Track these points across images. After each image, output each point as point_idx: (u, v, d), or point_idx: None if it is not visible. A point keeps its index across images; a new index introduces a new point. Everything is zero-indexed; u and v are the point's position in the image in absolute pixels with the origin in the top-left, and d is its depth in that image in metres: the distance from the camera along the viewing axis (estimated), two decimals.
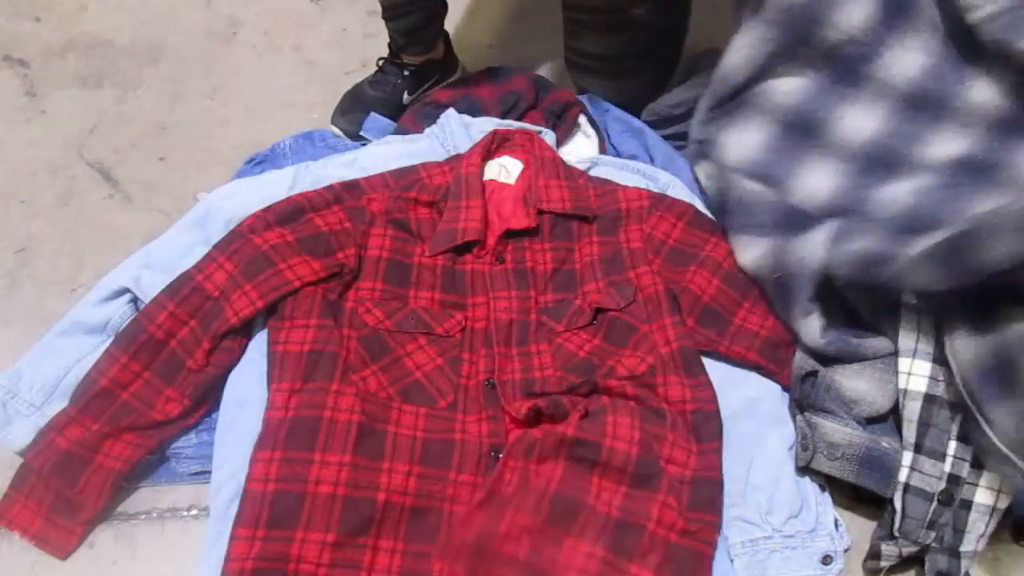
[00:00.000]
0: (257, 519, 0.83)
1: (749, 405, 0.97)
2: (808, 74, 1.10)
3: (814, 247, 0.96)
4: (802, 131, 1.10)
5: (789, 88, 1.11)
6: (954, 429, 0.92)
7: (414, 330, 0.99)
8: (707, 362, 0.99)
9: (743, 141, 1.12)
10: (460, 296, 1.02)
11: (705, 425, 0.92)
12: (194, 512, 0.96)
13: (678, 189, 1.14)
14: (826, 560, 0.88)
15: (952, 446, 0.91)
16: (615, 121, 1.27)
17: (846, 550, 0.90)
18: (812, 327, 0.96)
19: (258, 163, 1.26)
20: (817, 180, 1.08)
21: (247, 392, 0.95)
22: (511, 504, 0.84)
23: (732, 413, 0.95)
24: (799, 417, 0.94)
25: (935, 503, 0.90)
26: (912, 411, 0.92)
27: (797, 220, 1.03)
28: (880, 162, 1.05)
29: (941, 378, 0.93)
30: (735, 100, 1.13)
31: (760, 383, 0.99)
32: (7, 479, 0.94)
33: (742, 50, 1.10)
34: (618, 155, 1.23)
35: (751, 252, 1.03)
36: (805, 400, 0.96)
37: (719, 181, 1.11)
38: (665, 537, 0.84)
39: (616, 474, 0.86)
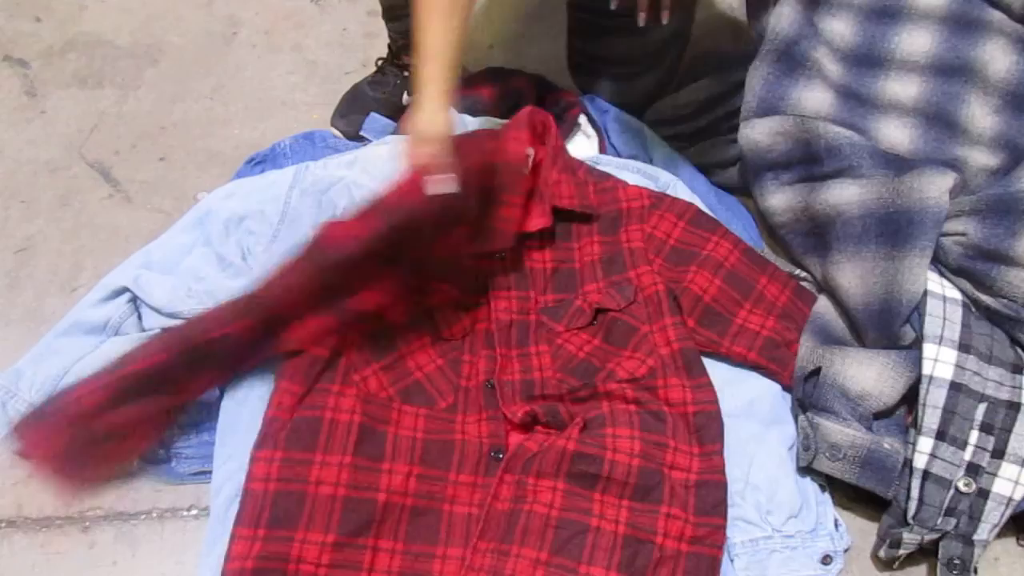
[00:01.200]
0: (258, 519, 0.82)
1: (749, 405, 0.97)
2: (851, 16, 1.17)
3: (940, 191, 1.00)
4: (865, 65, 1.16)
5: (840, 31, 1.17)
6: (977, 417, 0.92)
7: (421, 330, 0.99)
8: (706, 362, 0.99)
9: (815, 94, 1.14)
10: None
11: (707, 427, 0.92)
12: (194, 512, 0.96)
13: (679, 189, 1.14)
14: (826, 560, 0.88)
15: (974, 435, 0.91)
16: (615, 121, 1.27)
17: (846, 550, 0.90)
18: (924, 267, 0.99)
19: (258, 163, 1.26)
20: (893, 132, 1.13)
21: (247, 392, 0.95)
22: (514, 540, 0.84)
23: (732, 413, 0.95)
24: (801, 417, 0.94)
25: (953, 491, 0.90)
26: (937, 398, 0.92)
27: (898, 161, 1.06)
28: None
29: (967, 366, 0.93)
30: (792, 55, 1.15)
31: (760, 383, 1.00)
32: (7, 479, 0.94)
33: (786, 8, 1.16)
34: (618, 155, 1.23)
35: (853, 190, 1.04)
36: (807, 400, 0.96)
37: (800, 131, 1.10)
38: (676, 548, 0.84)
39: (618, 488, 0.86)
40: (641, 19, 1.06)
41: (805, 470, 0.93)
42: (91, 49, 1.48)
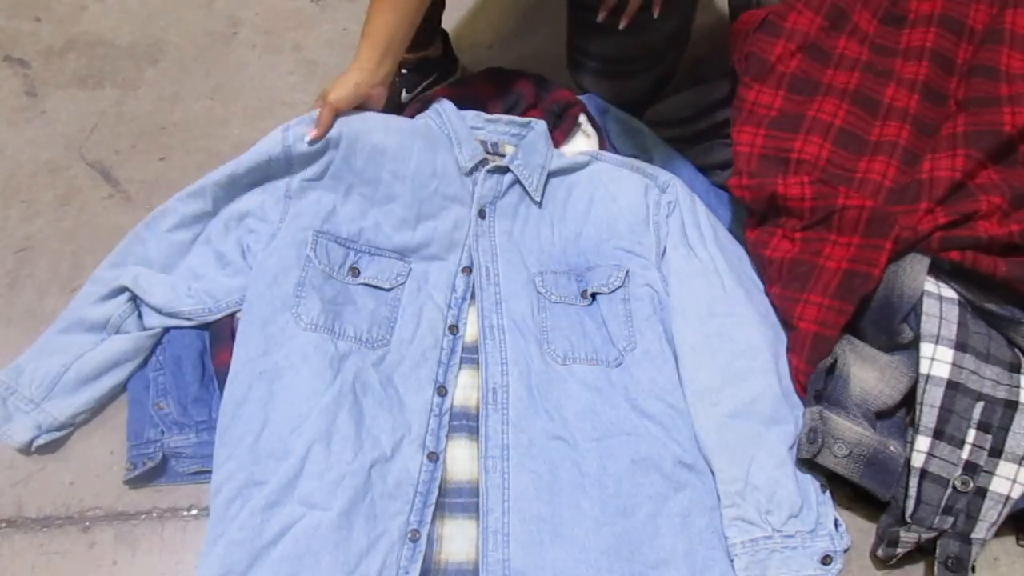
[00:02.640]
0: None
1: (749, 405, 0.97)
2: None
3: None
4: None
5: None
6: (975, 416, 0.92)
7: None
8: (706, 361, 0.99)
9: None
10: None
11: None
12: (194, 512, 0.96)
13: (678, 187, 1.14)
14: (826, 560, 0.88)
15: (971, 434, 0.92)
16: (615, 121, 1.27)
17: (846, 550, 0.91)
18: None
19: None
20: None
21: (247, 392, 0.95)
22: None
23: (732, 413, 0.95)
24: (811, 409, 0.94)
25: (951, 489, 0.90)
26: (934, 397, 0.92)
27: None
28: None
29: (965, 365, 0.93)
30: None
31: (760, 383, 0.99)
32: (7, 479, 0.94)
33: None
34: (618, 155, 1.23)
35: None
36: (823, 391, 0.96)
37: None
38: None
39: None
40: (601, 17, 1.10)
41: (806, 463, 0.93)
42: (91, 49, 1.48)
